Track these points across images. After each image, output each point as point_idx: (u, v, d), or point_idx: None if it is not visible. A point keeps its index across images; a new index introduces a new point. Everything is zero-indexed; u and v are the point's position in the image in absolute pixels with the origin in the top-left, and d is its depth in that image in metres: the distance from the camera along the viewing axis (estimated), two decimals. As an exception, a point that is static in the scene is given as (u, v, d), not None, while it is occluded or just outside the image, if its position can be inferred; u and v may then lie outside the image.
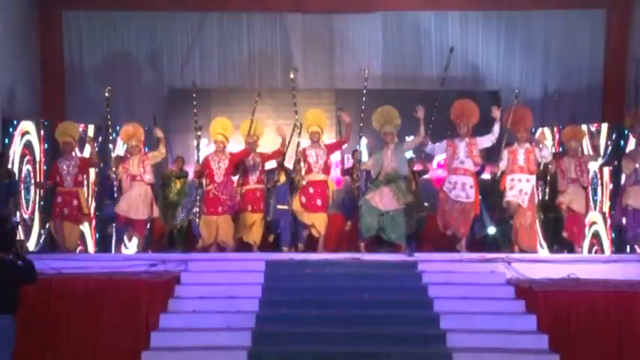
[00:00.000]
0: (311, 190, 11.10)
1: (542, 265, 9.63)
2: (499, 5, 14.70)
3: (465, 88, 14.20)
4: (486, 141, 10.91)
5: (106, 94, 11.68)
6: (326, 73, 14.81)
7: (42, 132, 12.71)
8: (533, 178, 10.93)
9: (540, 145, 11.01)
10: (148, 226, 11.85)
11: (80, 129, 12.24)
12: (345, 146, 11.73)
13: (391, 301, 8.80)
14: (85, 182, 11.75)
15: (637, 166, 10.90)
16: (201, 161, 11.27)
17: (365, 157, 12.22)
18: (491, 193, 11.58)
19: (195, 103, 11.66)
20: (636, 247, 11.35)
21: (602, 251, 12.49)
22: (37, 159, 12.64)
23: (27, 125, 12.54)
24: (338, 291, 9.02)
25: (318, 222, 11.12)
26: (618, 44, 14.38)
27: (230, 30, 14.89)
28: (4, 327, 6.91)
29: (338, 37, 14.84)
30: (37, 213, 12.49)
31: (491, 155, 11.75)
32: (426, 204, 12.34)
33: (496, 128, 10.82)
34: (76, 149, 11.77)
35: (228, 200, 11.03)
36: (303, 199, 11.08)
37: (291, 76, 11.84)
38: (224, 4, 14.79)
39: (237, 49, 14.86)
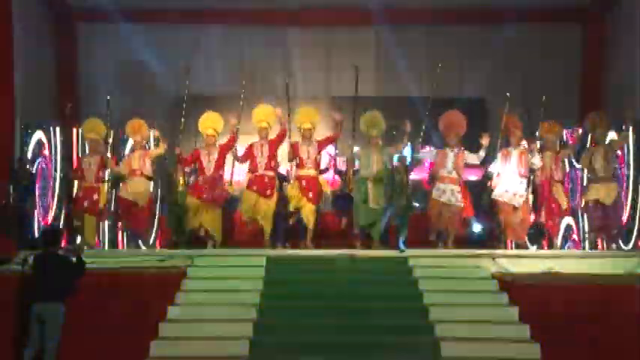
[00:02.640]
0: (303, 183, 10.83)
1: (525, 260, 9.63)
2: (484, 19, 14.69)
3: (452, 96, 14.23)
4: (473, 159, 10.98)
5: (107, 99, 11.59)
6: (322, 81, 14.81)
7: (58, 137, 12.64)
8: (525, 180, 10.92)
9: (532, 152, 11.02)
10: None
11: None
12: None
13: (383, 294, 8.78)
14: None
15: (596, 166, 10.83)
16: (191, 152, 11.18)
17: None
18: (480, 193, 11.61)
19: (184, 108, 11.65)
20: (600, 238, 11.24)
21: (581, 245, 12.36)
22: (53, 162, 12.54)
23: (44, 130, 12.45)
24: (333, 285, 8.98)
25: (309, 212, 10.78)
26: (593, 55, 14.40)
27: (233, 42, 14.89)
28: (54, 312, 7.73)
29: (333, 49, 14.84)
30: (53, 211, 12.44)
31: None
32: (416, 204, 12.29)
33: (482, 153, 10.93)
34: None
35: (212, 192, 10.79)
36: (300, 192, 10.76)
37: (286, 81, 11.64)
38: (227, 19, 14.77)
39: (240, 59, 14.83)
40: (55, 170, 12.13)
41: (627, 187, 11.19)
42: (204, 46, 14.84)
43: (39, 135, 12.21)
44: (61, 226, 11.51)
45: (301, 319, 8.30)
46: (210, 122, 11.22)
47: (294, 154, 10.92)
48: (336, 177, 12.17)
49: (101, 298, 8.49)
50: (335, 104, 13.77)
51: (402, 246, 10.31)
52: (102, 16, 14.56)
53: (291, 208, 10.87)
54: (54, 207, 12.26)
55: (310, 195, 10.76)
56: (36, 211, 11.67)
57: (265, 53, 14.82)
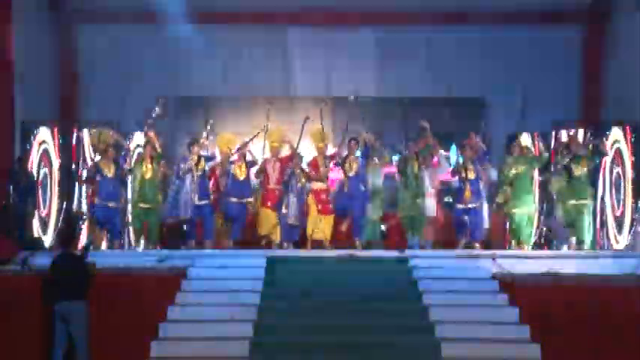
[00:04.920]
0: (323, 196, 11.44)
1: (525, 260, 9.62)
2: (484, 19, 14.67)
3: (451, 95, 14.28)
4: (442, 171, 11.87)
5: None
6: (323, 81, 14.81)
7: (58, 137, 12.67)
8: None
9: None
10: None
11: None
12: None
13: (384, 295, 8.78)
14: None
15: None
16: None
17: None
18: None
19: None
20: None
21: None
22: (54, 163, 12.60)
23: (44, 131, 12.46)
24: (334, 285, 8.97)
25: (326, 226, 11.33)
26: (593, 56, 14.38)
27: (235, 42, 14.85)
28: (77, 311, 7.85)
29: (334, 48, 14.82)
30: (54, 211, 12.48)
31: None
32: None
33: (445, 164, 11.91)
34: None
35: None
36: (319, 206, 11.33)
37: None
38: (228, 19, 14.75)
39: (240, 59, 14.82)
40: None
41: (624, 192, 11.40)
42: (204, 46, 14.82)
43: (40, 135, 12.26)
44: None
45: (301, 319, 8.30)
46: (225, 141, 11.89)
47: (314, 171, 11.51)
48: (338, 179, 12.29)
49: (101, 298, 8.48)
50: (335, 104, 13.86)
51: (416, 247, 10.52)
52: (102, 17, 14.54)
53: (309, 230, 11.32)
54: (53, 207, 12.33)
55: (330, 206, 11.38)
56: (36, 211, 11.73)
57: (265, 53, 14.80)
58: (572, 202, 11.05)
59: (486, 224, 11.44)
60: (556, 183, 11.48)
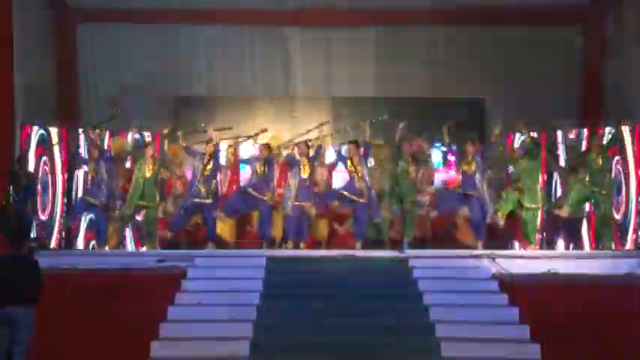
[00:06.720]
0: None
1: (525, 260, 9.64)
2: (484, 19, 14.68)
3: (452, 96, 14.29)
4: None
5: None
6: (323, 81, 14.82)
7: (57, 137, 12.66)
8: None
9: None
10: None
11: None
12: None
13: (384, 295, 8.78)
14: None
15: None
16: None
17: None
18: None
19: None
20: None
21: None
22: (56, 163, 12.61)
23: (44, 131, 12.47)
24: (334, 285, 8.99)
25: (324, 226, 11.76)
26: (593, 55, 14.38)
27: (234, 42, 14.88)
28: (24, 317, 7.11)
29: (334, 48, 14.84)
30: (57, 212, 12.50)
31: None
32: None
33: None
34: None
35: None
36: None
37: None
38: (227, 19, 14.77)
39: (240, 59, 14.83)
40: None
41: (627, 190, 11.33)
42: (204, 46, 14.84)
43: (39, 135, 12.26)
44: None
45: (301, 319, 8.30)
46: None
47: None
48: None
49: (101, 298, 8.49)
50: (335, 104, 13.88)
51: (405, 246, 10.42)
52: (102, 17, 14.56)
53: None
54: (52, 207, 12.33)
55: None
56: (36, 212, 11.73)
57: (265, 53, 14.81)
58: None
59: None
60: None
